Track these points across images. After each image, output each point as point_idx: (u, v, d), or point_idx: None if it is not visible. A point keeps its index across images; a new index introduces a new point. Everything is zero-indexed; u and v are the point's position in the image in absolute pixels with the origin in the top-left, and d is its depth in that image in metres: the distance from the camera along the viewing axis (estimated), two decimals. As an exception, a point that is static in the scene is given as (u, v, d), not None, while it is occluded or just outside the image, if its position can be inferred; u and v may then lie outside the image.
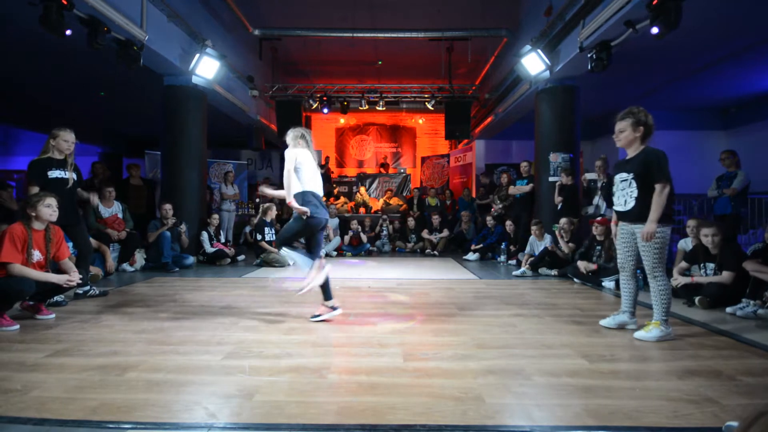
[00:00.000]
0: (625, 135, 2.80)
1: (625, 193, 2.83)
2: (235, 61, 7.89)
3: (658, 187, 2.66)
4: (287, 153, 3.09)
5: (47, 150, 3.67)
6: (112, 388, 1.94)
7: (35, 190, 3.43)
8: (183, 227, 6.02)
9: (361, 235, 8.14)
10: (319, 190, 3.20)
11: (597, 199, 6.01)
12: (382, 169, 12.52)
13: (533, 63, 6.18)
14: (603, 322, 3.01)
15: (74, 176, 3.76)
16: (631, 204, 2.78)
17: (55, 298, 3.43)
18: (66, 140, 3.68)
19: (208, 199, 7.59)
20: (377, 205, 10.46)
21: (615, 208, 2.94)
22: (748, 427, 0.79)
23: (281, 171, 10.74)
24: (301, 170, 3.12)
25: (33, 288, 2.93)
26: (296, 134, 3.23)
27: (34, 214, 3.11)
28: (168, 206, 5.99)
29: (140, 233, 5.88)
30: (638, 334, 2.76)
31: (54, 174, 3.62)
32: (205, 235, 6.55)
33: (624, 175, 2.83)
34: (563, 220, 5.53)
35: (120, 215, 5.59)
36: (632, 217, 2.79)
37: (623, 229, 2.90)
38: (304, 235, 3.28)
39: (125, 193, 6.94)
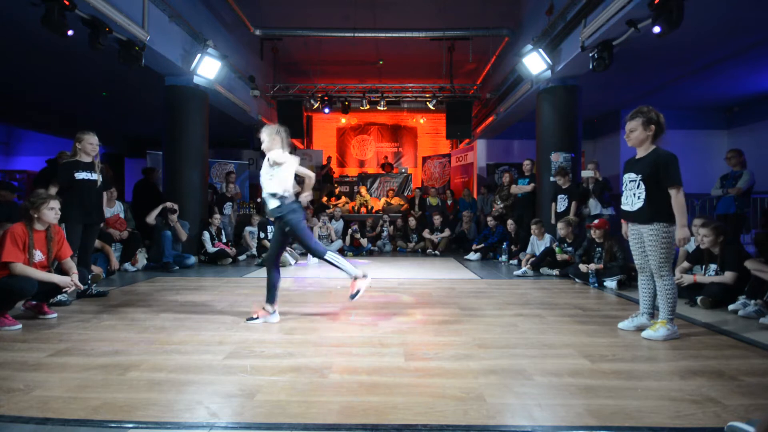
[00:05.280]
0: (636, 134, 2.77)
1: (632, 193, 2.80)
2: (236, 61, 7.90)
3: (672, 192, 2.63)
4: (281, 155, 3.02)
5: (75, 153, 3.85)
6: (114, 388, 1.95)
7: (54, 189, 3.61)
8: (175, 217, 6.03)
9: (361, 240, 8.14)
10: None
11: (591, 200, 6.04)
12: (385, 169, 12.49)
13: (535, 62, 6.18)
14: (621, 325, 2.97)
15: (101, 178, 3.91)
16: (638, 205, 2.77)
17: (58, 297, 3.44)
18: (91, 143, 3.85)
19: (210, 199, 7.61)
20: (378, 204, 10.47)
21: (622, 207, 2.91)
22: None
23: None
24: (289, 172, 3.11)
25: (35, 287, 2.93)
26: (272, 131, 3.15)
27: (36, 215, 3.11)
28: (175, 206, 6.04)
29: (142, 233, 5.90)
30: (646, 333, 2.76)
31: (81, 175, 3.78)
32: (206, 235, 6.56)
33: (632, 175, 2.80)
34: (560, 225, 5.51)
35: (121, 215, 5.60)
36: (640, 218, 2.77)
37: (633, 230, 2.88)
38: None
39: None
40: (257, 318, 3.10)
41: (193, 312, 3.41)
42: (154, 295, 4.05)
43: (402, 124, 13.47)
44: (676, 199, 2.63)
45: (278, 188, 3.04)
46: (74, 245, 3.67)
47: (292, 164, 3.10)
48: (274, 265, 3.15)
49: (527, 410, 1.76)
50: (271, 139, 3.15)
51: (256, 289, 4.46)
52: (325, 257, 3.13)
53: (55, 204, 3.19)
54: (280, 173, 3.04)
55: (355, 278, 3.18)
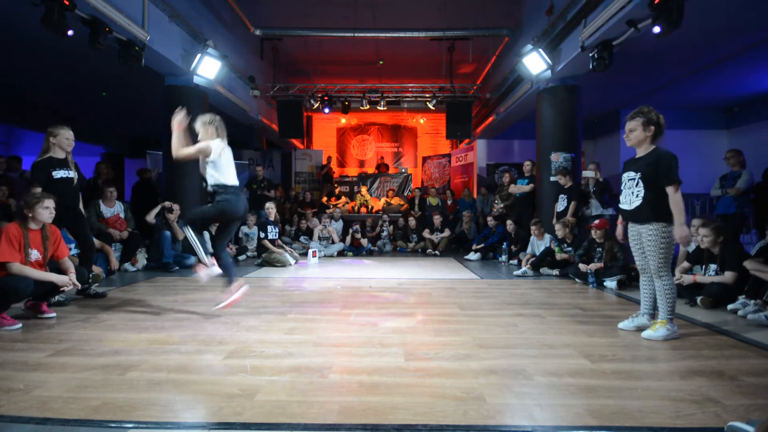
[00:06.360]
0: (635, 134, 2.78)
1: (631, 192, 2.80)
2: (236, 61, 7.90)
3: (670, 190, 2.64)
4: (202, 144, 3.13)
5: (47, 149, 3.60)
6: (113, 388, 1.95)
7: (38, 190, 3.43)
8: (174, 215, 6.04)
9: (361, 240, 8.15)
10: (235, 180, 3.23)
11: (592, 201, 6.05)
12: (381, 170, 12.48)
13: (535, 62, 6.17)
14: (621, 325, 2.97)
15: (77, 175, 3.75)
16: (636, 203, 2.77)
17: (57, 297, 3.44)
18: (67, 137, 3.62)
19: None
20: (378, 204, 10.48)
21: (621, 206, 2.91)
22: None
23: (282, 170, 10.79)
24: (219, 162, 3.14)
25: (30, 286, 2.92)
26: (205, 120, 3.19)
27: (31, 215, 3.10)
28: (174, 205, 6.03)
29: (142, 233, 5.89)
30: (645, 333, 2.76)
31: (59, 174, 3.58)
32: (207, 235, 6.54)
33: (631, 174, 2.81)
34: (557, 227, 5.52)
35: (122, 215, 5.60)
36: (638, 217, 2.78)
37: (632, 229, 2.88)
38: (217, 221, 3.34)
39: None
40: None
41: (192, 312, 3.41)
42: (154, 295, 4.05)
43: (402, 124, 13.47)
44: (674, 197, 2.63)
45: (210, 180, 3.15)
46: None
47: (216, 151, 3.11)
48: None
49: (527, 410, 1.76)
50: (205, 129, 3.17)
51: (256, 289, 4.46)
52: (185, 227, 3.22)
53: (50, 203, 3.17)
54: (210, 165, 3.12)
55: (202, 263, 3.22)
